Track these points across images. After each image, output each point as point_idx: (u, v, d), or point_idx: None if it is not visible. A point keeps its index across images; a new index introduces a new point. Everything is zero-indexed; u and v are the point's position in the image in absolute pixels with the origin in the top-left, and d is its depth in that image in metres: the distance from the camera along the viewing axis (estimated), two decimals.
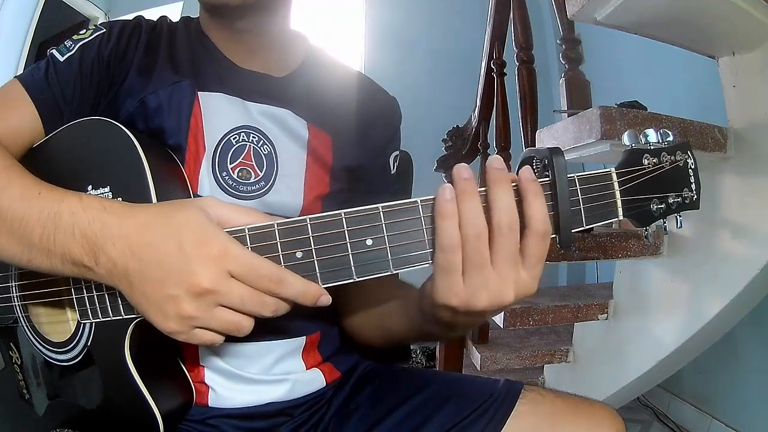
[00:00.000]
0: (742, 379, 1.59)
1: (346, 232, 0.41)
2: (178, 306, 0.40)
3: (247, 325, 0.42)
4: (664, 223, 0.45)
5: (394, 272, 0.41)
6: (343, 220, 0.41)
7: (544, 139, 1.34)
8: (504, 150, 1.57)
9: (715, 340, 1.28)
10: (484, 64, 1.71)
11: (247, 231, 0.41)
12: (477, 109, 1.75)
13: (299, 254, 0.41)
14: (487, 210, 0.39)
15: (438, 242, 0.39)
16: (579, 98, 1.42)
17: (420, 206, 0.41)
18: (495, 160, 0.40)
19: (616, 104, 1.18)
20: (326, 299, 0.42)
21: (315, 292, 0.41)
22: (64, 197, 0.43)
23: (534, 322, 1.36)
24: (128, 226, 0.41)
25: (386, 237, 0.41)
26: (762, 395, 1.51)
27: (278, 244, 0.41)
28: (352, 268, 0.41)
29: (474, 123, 1.76)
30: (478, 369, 1.50)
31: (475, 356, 1.52)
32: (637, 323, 1.33)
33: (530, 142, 1.44)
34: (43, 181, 0.46)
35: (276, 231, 0.41)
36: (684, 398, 1.83)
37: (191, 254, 0.39)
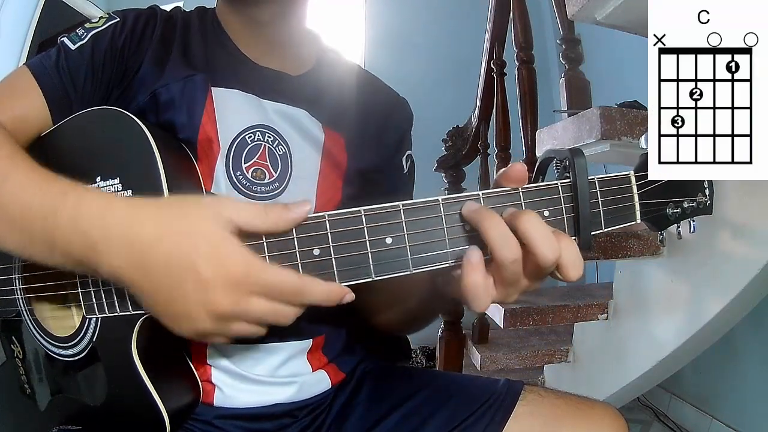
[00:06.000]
0: (742, 379, 1.59)
1: (365, 229, 0.40)
2: (194, 323, 0.39)
3: (261, 332, 0.41)
4: (678, 227, 0.45)
5: (414, 272, 0.41)
6: (363, 217, 0.40)
7: (544, 139, 1.34)
8: (504, 150, 1.57)
9: (715, 340, 1.28)
10: (484, 64, 1.71)
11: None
12: (477, 109, 1.75)
13: (317, 251, 0.40)
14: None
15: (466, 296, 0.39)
16: (579, 98, 1.41)
17: (441, 205, 0.40)
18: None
19: (616, 104, 1.18)
20: (350, 296, 0.41)
21: (339, 293, 0.40)
22: (67, 191, 0.41)
23: (534, 322, 1.36)
24: (134, 234, 0.38)
25: (406, 235, 0.40)
26: (762, 395, 1.51)
27: (295, 240, 0.40)
28: (371, 266, 0.40)
29: (474, 123, 1.76)
30: (478, 369, 1.50)
31: (475, 356, 1.52)
32: (637, 323, 1.33)
33: (530, 142, 1.44)
34: (48, 171, 0.44)
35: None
36: (684, 398, 1.83)
37: (209, 280, 0.37)
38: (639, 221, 0.44)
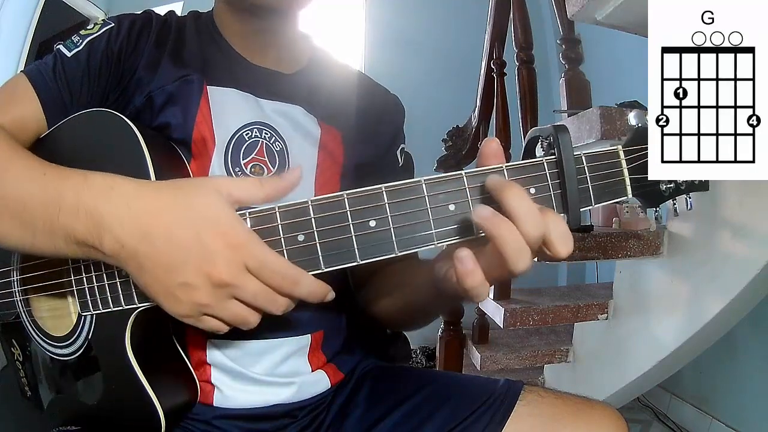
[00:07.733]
0: (742, 379, 1.59)
1: (348, 213, 0.40)
2: (192, 294, 0.40)
3: (254, 320, 0.42)
4: (674, 204, 0.44)
5: (399, 254, 0.40)
6: (345, 200, 0.40)
7: None
8: (504, 150, 1.57)
9: (715, 340, 1.29)
10: (484, 64, 1.71)
11: (248, 214, 0.41)
12: (477, 109, 1.75)
13: (301, 237, 0.40)
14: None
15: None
16: (579, 98, 1.42)
17: (424, 185, 0.40)
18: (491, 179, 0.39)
19: (616, 104, 1.18)
20: (332, 295, 0.43)
21: (324, 291, 0.42)
22: (69, 176, 0.42)
23: (534, 322, 1.36)
24: (138, 207, 0.40)
25: (390, 218, 0.40)
26: (762, 395, 1.51)
27: (279, 226, 0.40)
28: (356, 250, 0.40)
29: (474, 123, 1.76)
30: (478, 369, 1.50)
31: (475, 356, 1.52)
32: (637, 323, 1.33)
33: None
34: (49, 162, 0.45)
35: (277, 213, 0.41)
36: (684, 398, 1.83)
37: (210, 245, 0.39)
38: (630, 196, 0.43)
